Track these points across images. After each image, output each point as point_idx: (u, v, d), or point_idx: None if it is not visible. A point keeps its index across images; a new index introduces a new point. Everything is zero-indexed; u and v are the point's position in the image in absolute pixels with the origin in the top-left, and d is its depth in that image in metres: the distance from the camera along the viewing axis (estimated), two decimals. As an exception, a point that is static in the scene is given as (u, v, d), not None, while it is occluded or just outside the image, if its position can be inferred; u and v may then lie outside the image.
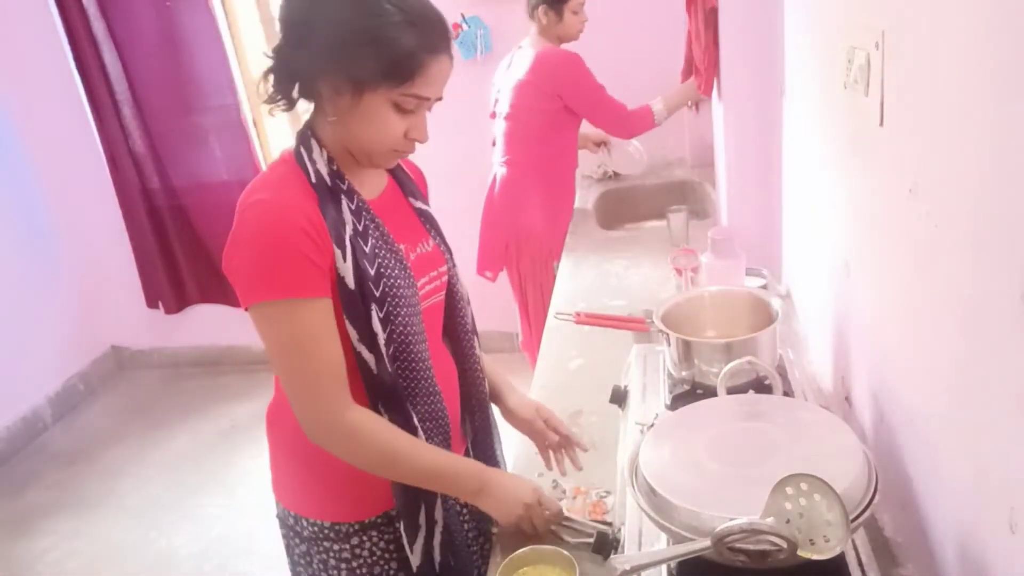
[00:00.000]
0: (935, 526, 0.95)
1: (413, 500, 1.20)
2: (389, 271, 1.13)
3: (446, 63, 1.09)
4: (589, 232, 2.70)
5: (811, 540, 0.78)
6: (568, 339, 1.85)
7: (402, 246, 1.19)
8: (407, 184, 1.28)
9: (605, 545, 1.12)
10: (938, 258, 0.86)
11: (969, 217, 0.77)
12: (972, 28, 0.72)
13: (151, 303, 4.03)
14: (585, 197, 3.06)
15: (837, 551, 0.77)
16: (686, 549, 0.81)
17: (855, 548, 0.91)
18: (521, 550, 1.11)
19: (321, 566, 1.26)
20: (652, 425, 1.05)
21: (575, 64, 2.64)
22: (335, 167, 1.14)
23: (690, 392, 1.26)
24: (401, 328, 1.14)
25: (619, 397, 1.40)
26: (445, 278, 1.28)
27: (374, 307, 1.11)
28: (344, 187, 1.14)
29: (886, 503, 1.09)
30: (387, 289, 1.13)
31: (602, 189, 3.10)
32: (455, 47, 3.57)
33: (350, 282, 1.10)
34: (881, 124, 1.00)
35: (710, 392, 1.13)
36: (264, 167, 3.63)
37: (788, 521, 0.79)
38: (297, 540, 1.28)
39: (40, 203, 3.85)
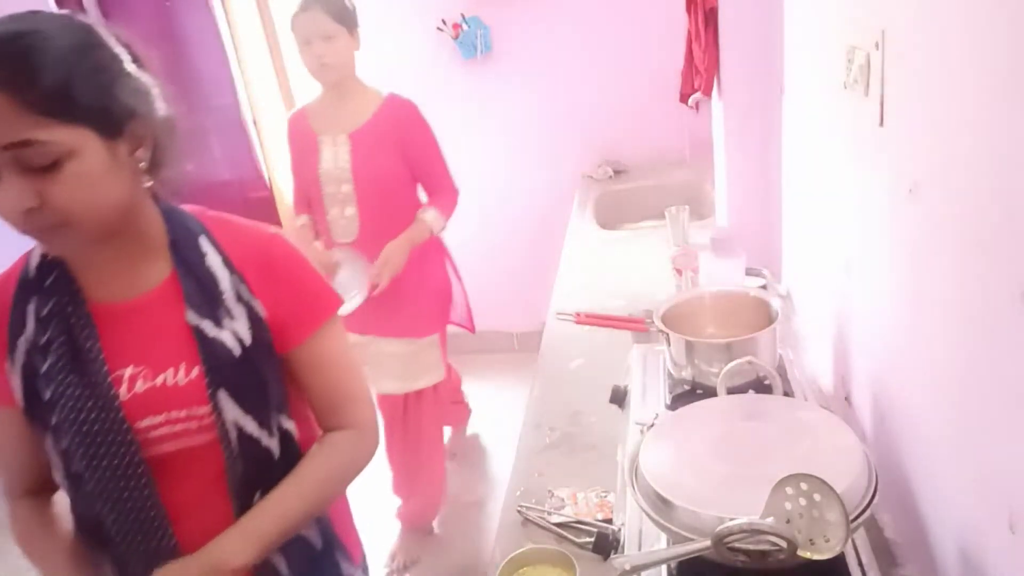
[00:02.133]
0: (935, 526, 0.95)
1: None
2: (68, 400, 0.91)
3: None
4: (589, 232, 2.70)
5: (811, 540, 0.78)
6: (568, 339, 1.85)
7: (127, 371, 0.94)
8: (195, 292, 0.96)
9: (605, 545, 1.12)
10: (938, 258, 0.86)
11: (969, 217, 0.77)
12: (972, 28, 0.72)
13: (151, 303, 4.01)
14: (585, 197, 3.05)
15: (837, 551, 0.77)
16: (686, 549, 0.81)
17: (855, 548, 0.91)
18: (521, 550, 1.11)
19: None
20: (652, 425, 1.04)
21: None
22: (48, 256, 0.96)
23: (690, 392, 1.26)
24: (91, 466, 0.92)
25: (619, 397, 1.40)
26: (208, 420, 0.96)
27: (49, 436, 0.93)
28: (47, 283, 0.94)
29: (886, 503, 1.09)
30: (66, 423, 0.91)
31: (602, 189, 3.10)
32: (455, 47, 3.58)
33: (17, 398, 0.94)
34: (881, 124, 1.00)
35: (710, 392, 1.13)
36: (264, 167, 3.64)
37: (788, 521, 0.79)
38: None
39: (40, 203, 3.84)
